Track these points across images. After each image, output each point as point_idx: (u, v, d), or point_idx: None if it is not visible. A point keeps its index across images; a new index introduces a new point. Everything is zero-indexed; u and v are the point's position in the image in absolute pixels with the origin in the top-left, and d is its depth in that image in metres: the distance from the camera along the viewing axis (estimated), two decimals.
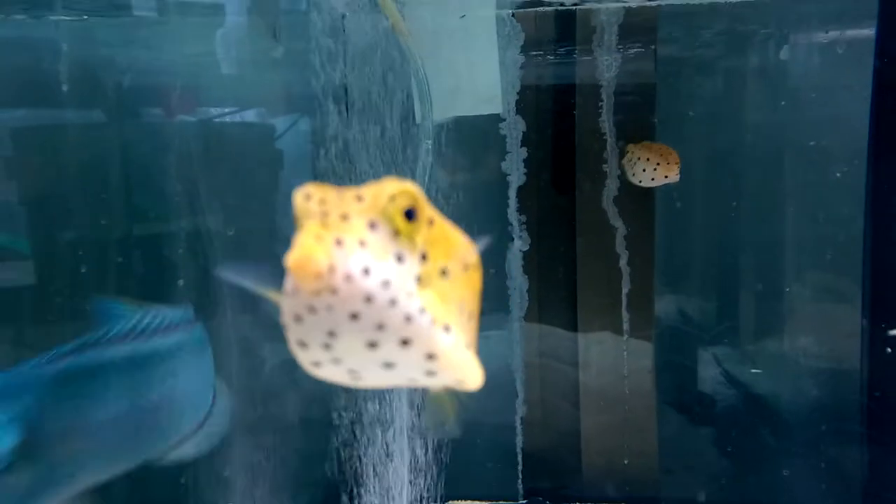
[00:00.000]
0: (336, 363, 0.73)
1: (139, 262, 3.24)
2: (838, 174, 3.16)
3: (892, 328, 2.88)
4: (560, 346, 3.37)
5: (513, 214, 3.40)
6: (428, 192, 2.66)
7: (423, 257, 0.75)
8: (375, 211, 0.70)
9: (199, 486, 2.92)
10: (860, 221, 3.04)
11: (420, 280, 0.73)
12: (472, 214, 3.49)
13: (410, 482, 2.83)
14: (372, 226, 0.70)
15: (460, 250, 0.83)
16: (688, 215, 3.44)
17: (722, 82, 3.54)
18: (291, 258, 0.65)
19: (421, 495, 2.81)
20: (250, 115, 3.38)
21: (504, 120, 3.37)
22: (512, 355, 3.34)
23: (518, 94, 3.19)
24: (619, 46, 3.16)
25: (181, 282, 3.04)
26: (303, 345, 0.71)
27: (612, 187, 3.25)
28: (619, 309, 3.28)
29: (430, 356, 0.74)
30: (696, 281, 3.56)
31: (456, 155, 3.16)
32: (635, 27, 3.08)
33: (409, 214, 0.72)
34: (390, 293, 0.69)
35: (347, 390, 2.69)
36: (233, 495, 2.87)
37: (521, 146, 3.32)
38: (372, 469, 2.82)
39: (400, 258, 0.71)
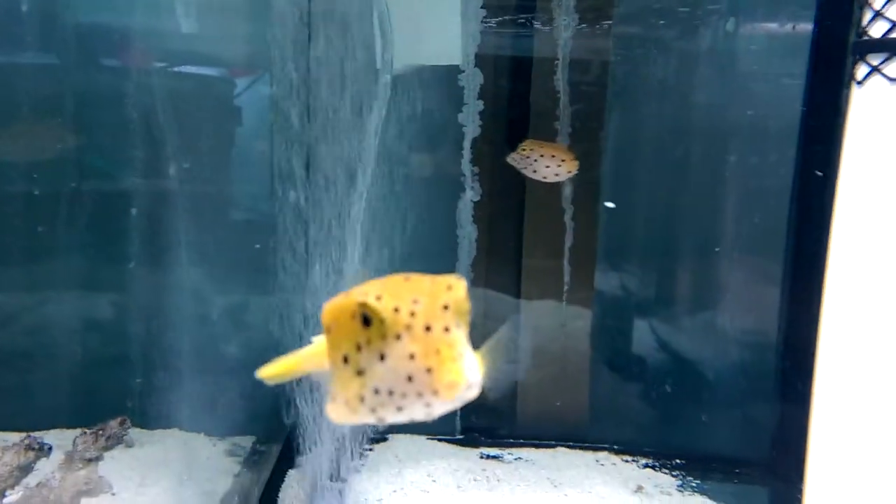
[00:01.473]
0: (378, 420, 0.87)
1: (89, 214, 3.25)
2: (774, 155, 3.38)
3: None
4: (503, 298, 3.53)
5: (466, 165, 3.50)
6: (385, 126, 2.73)
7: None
8: (459, 316, 0.84)
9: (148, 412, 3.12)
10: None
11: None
12: (426, 164, 3.61)
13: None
14: (457, 325, 0.84)
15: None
16: (632, 179, 3.62)
17: (676, 56, 3.68)
18: (446, 379, 0.79)
19: (363, 431, 2.94)
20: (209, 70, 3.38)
21: (463, 72, 3.46)
22: None
23: (477, 47, 3.26)
24: (577, 7, 3.26)
25: (134, 234, 3.18)
26: (371, 411, 0.85)
27: (562, 143, 3.39)
28: (562, 262, 3.45)
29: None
30: (636, 249, 3.75)
31: (414, 103, 3.23)
32: None
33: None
34: (475, 375, 0.84)
35: (295, 336, 2.77)
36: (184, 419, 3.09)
37: (478, 99, 3.42)
38: (317, 408, 2.93)
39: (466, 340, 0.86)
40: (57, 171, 3.16)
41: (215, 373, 3.26)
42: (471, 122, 3.50)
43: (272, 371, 1.01)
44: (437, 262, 3.61)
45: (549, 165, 2.65)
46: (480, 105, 3.48)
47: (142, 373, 3.28)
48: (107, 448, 2.39)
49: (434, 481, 2.83)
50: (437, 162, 3.55)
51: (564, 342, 3.50)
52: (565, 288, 3.48)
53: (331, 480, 2.45)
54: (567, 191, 3.45)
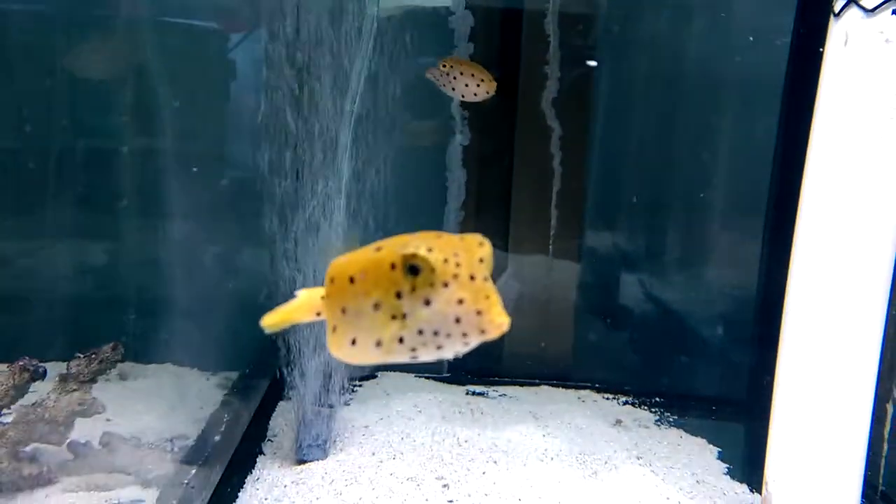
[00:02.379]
0: (411, 357, 0.99)
1: (82, 169, 3.32)
2: (760, 116, 3.42)
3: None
4: (491, 241, 3.57)
5: (455, 109, 3.52)
6: (374, 69, 2.74)
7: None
8: (488, 268, 0.96)
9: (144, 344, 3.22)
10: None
11: None
12: (416, 105, 3.61)
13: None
14: (488, 277, 0.96)
15: None
16: (620, 125, 3.64)
17: (668, 5, 3.67)
18: (497, 321, 0.91)
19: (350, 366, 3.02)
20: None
21: (453, 14, 3.45)
22: None
23: None
24: None
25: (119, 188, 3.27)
26: (411, 350, 0.97)
27: (551, 89, 3.40)
28: (549, 207, 3.50)
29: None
30: (624, 196, 3.78)
31: (403, 45, 3.22)
32: None
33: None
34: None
35: (279, 276, 2.83)
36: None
37: (468, 41, 3.41)
38: (307, 343, 3.00)
39: None
40: (49, 124, 3.25)
41: (208, 312, 3.36)
42: None
43: (272, 320, 1.11)
44: (426, 205, 3.66)
45: (468, 84, 2.62)
46: (471, 48, 3.50)
47: (135, 311, 3.39)
48: (100, 372, 2.46)
49: (420, 411, 2.93)
50: (426, 105, 3.56)
51: (551, 285, 3.57)
52: (552, 232, 3.53)
53: (319, 405, 2.53)
54: (555, 136, 3.49)
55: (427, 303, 0.94)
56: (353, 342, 1.01)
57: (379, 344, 0.98)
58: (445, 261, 0.93)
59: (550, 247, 3.53)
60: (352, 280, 1.00)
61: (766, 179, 3.42)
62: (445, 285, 0.93)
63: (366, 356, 1.01)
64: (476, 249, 0.96)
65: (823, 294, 1.99)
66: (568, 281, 3.59)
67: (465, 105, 3.45)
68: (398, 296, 0.95)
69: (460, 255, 0.94)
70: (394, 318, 0.96)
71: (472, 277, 0.94)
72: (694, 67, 3.54)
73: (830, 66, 1.96)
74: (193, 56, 3.37)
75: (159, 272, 3.39)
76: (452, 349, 0.96)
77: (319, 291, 1.11)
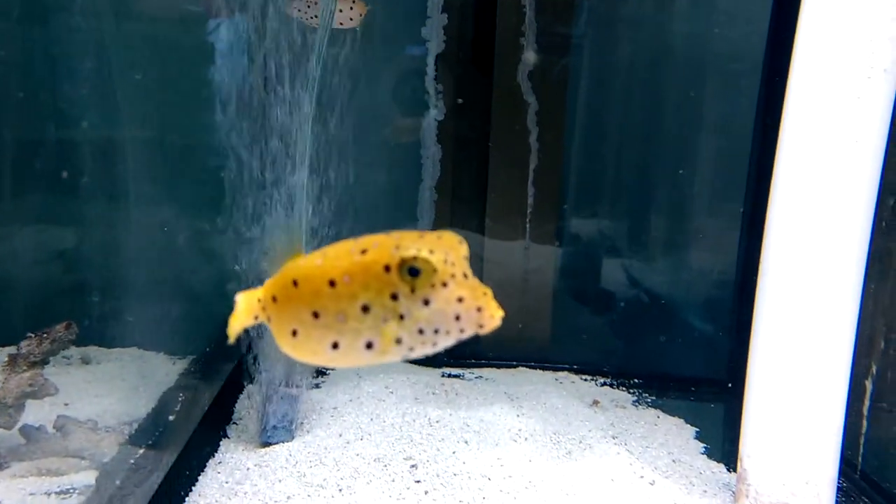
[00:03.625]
0: (403, 356, 1.01)
1: (53, 159, 3.24)
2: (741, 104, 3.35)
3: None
4: (468, 221, 3.49)
5: (430, 83, 3.41)
6: (342, 40, 2.63)
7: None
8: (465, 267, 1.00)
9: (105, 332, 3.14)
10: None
11: None
12: (387, 81, 3.51)
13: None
14: (465, 276, 1.00)
15: None
16: (598, 100, 3.55)
17: None
18: (496, 316, 0.96)
19: None
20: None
21: None
22: (421, 223, 3.45)
23: None
24: None
25: (86, 179, 3.20)
26: (409, 350, 1.00)
27: (528, 62, 3.31)
28: (526, 184, 3.41)
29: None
30: (602, 173, 3.70)
31: (373, 15, 3.11)
32: None
33: None
34: None
35: (251, 249, 2.75)
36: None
37: (442, 12, 3.31)
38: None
39: None
40: (25, 113, 3.18)
41: (174, 295, 3.27)
42: (435, 36, 3.39)
43: (232, 331, 1.14)
44: (400, 183, 3.57)
45: (342, 10, 2.51)
46: (444, 20, 3.39)
47: (99, 294, 3.30)
48: (52, 352, 2.35)
49: (391, 393, 2.84)
50: (399, 79, 3.46)
51: (528, 266, 3.50)
52: (529, 211, 3.45)
53: (285, 386, 2.45)
54: (532, 111, 3.40)
55: (426, 303, 0.97)
56: (336, 346, 1.00)
57: (370, 346, 0.99)
58: (444, 261, 0.97)
59: (528, 225, 3.45)
60: (332, 283, 0.99)
61: (746, 156, 3.37)
62: (444, 285, 0.97)
63: (353, 359, 1.02)
64: (458, 247, 1.00)
65: (798, 267, 1.93)
66: (546, 261, 3.52)
67: (439, 78, 3.36)
68: (394, 297, 0.97)
69: (450, 254, 0.99)
70: (386, 319, 0.98)
71: (465, 275, 0.98)
72: (677, 39, 3.46)
73: (806, 23, 1.88)
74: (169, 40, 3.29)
75: (124, 256, 3.31)
76: (447, 344, 1.00)
77: (256, 293, 1.12)
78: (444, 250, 0.98)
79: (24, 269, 3.32)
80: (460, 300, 0.96)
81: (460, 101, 3.32)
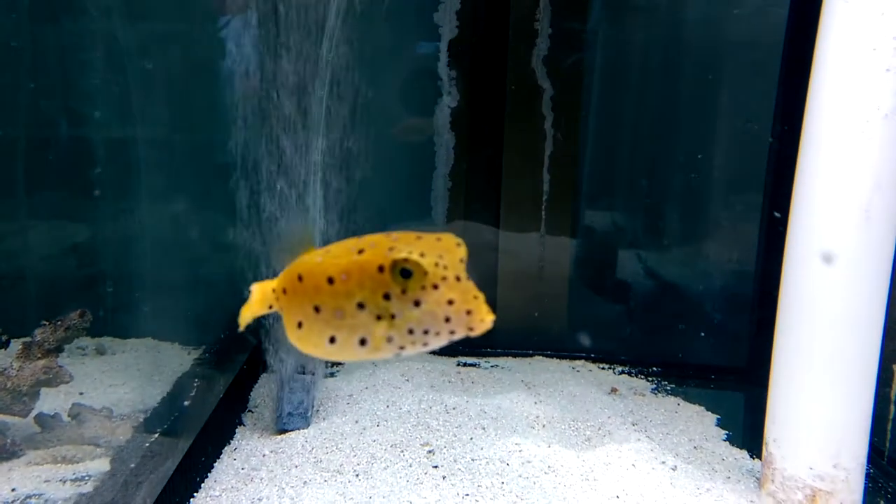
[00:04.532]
0: (394, 355, 1.04)
1: (59, 156, 3.26)
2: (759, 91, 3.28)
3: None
4: (482, 208, 3.45)
5: (443, 69, 3.38)
6: (354, 27, 2.60)
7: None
8: (464, 267, 1.02)
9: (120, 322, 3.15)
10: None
11: None
12: (399, 68, 3.47)
13: None
14: (458, 279, 1.01)
15: None
16: (614, 86, 3.49)
17: None
18: (487, 319, 0.97)
19: None
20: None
21: None
22: (435, 212, 3.42)
23: None
24: None
25: (98, 170, 3.23)
26: (399, 348, 1.01)
27: (542, 46, 3.25)
28: (541, 171, 3.36)
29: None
30: (620, 161, 3.64)
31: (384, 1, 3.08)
32: None
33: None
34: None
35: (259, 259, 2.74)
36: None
37: None
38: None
39: None
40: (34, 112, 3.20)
41: (188, 287, 3.27)
42: (447, 21, 3.36)
43: (243, 319, 1.18)
44: (414, 171, 3.53)
45: None
46: (458, 4, 3.34)
47: (114, 285, 3.30)
48: (67, 339, 2.34)
49: (407, 380, 2.81)
50: (412, 66, 3.42)
51: (543, 254, 3.45)
52: (545, 198, 3.41)
53: (300, 373, 2.42)
54: (547, 96, 3.35)
55: (417, 304, 0.99)
56: (332, 340, 1.04)
57: (364, 342, 1.01)
58: (436, 264, 0.99)
59: (543, 213, 3.40)
60: (331, 280, 1.02)
61: (766, 142, 3.30)
62: (435, 287, 0.98)
63: (348, 354, 1.04)
64: (455, 250, 1.01)
65: (825, 249, 1.87)
66: (561, 249, 3.46)
67: (452, 64, 3.32)
68: (386, 297, 0.99)
69: (445, 257, 1.00)
70: (379, 318, 1.00)
71: (457, 278, 0.99)
72: (695, 22, 3.39)
73: (828, 19, 1.82)
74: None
75: (139, 248, 3.31)
76: (438, 344, 1.01)
77: (271, 284, 1.15)
78: (439, 253, 0.99)
79: (40, 261, 3.33)
80: (450, 303, 0.97)
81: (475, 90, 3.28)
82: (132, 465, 1.52)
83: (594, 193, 3.56)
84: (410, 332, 0.99)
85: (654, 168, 3.57)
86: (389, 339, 1.00)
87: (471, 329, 0.98)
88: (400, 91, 3.40)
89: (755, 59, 3.33)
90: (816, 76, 1.86)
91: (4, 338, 2.23)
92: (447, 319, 0.98)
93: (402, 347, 1.01)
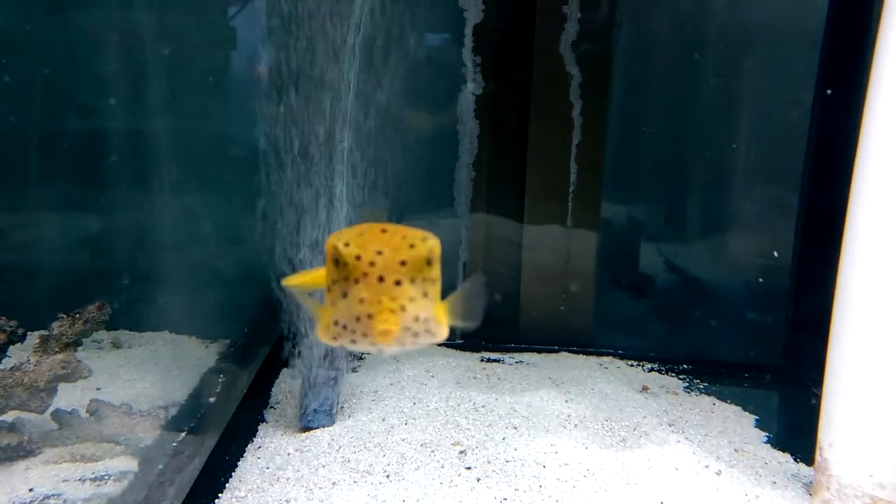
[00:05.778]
0: (339, 346, 1.02)
1: (74, 147, 3.16)
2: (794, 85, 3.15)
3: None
4: (506, 198, 3.35)
5: (468, 55, 3.26)
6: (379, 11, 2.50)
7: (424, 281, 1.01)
8: (415, 272, 0.95)
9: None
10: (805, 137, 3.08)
11: (432, 299, 1.01)
12: (423, 55, 3.36)
13: None
14: (412, 280, 0.96)
15: (438, 255, 1.04)
16: (642, 76, 3.37)
17: None
18: (380, 328, 0.92)
19: None
20: None
21: None
22: (458, 203, 3.32)
23: None
24: None
25: (115, 157, 3.13)
26: (334, 339, 1.00)
27: (570, 31, 3.14)
28: (568, 160, 3.26)
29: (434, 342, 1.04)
30: (646, 152, 3.53)
31: None
32: None
33: (429, 261, 0.99)
34: (427, 325, 0.98)
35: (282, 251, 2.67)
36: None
37: None
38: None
39: (425, 294, 0.99)
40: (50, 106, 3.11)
41: (206, 279, 3.20)
42: (472, 5, 3.23)
43: (295, 281, 1.17)
44: (437, 160, 3.42)
45: None
46: None
47: (129, 277, 3.24)
48: (85, 333, 2.26)
49: (432, 377, 2.72)
50: (436, 52, 3.31)
51: (570, 247, 3.34)
52: (571, 189, 3.29)
53: (326, 368, 2.34)
54: (575, 83, 3.23)
55: (344, 295, 0.96)
56: (318, 319, 1.06)
57: (322, 326, 1.03)
58: (358, 257, 0.94)
59: (569, 204, 3.29)
60: (335, 262, 1.04)
61: (804, 132, 3.17)
62: (356, 281, 0.95)
63: (320, 335, 1.04)
64: (403, 251, 0.96)
65: (886, 252, 1.75)
66: (588, 242, 3.34)
67: (477, 49, 3.20)
68: (335, 282, 0.99)
69: (384, 253, 0.95)
70: (332, 304, 1.00)
71: (381, 279, 0.94)
72: (728, 7, 3.27)
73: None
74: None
75: (156, 240, 3.24)
76: (366, 347, 0.97)
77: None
78: (376, 248, 0.94)
79: (54, 253, 3.26)
80: (361, 301, 0.93)
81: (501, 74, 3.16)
82: (160, 466, 1.45)
83: (623, 184, 3.44)
84: (336, 323, 0.96)
85: (684, 159, 3.44)
86: (328, 327, 0.99)
87: (371, 336, 0.93)
88: (423, 78, 3.31)
89: (793, 39, 3.18)
90: (882, 59, 1.75)
91: (21, 331, 2.15)
92: (357, 318, 0.94)
93: (335, 338, 0.98)
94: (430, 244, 0.98)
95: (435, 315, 1.00)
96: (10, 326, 2.08)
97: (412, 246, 0.95)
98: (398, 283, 0.94)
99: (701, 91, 3.39)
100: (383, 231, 0.97)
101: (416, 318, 0.95)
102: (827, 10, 3.01)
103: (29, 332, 2.47)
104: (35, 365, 2.10)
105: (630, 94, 3.36)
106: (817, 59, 3.03)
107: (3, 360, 2.10)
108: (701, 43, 3.34)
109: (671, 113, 3.41)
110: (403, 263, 0.94)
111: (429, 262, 0.98)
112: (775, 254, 3.22)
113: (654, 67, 3.37)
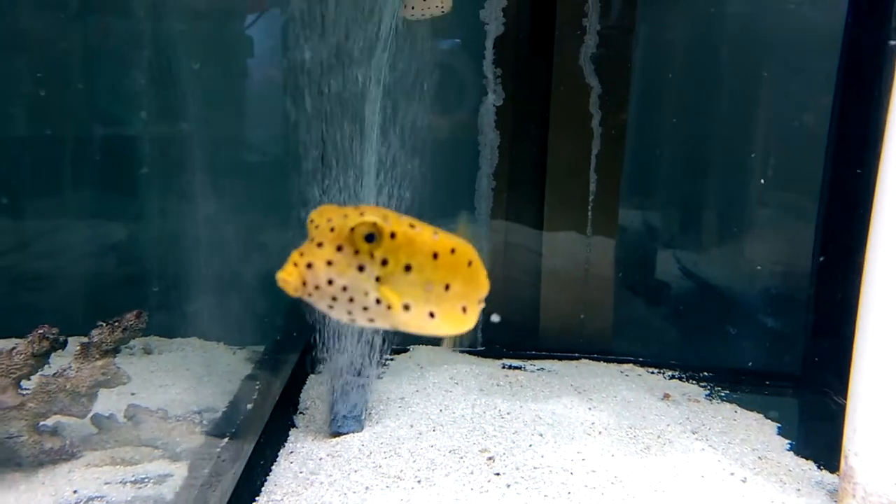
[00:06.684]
0: (351, 319, 1.08)
1: (106, 155, 3.26)
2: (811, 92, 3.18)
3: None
4: (526, 208, 3.39)
5: (488, 67, 3.31)
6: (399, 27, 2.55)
7: (384, 262, 1.05)
8: (340, 239, 1.02)
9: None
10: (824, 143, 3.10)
11: (380, 279, 1.06)
12: (444, 66, 3.41)
13: (376, 330, 2.88)
14: (339, 248, 1.03)
15: (424, 247, 1.09)
16: (662, 85, 3.41)
17: None
18: (279, 275, 1.01)
19: (385, 338, 2.88)
20: None
21: None
22: (478, 211, 3.37)
23: None
24: None
25: (146, 165, 3.23)
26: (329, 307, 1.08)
27: (590, 43, 3.19)
28: (588, 171, 3.30)
29: (394, 327, 1.09)
30: (665, 161, 3.56)
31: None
32: None
33: (370, 237, 1.03)
34: (349, 293, 1.04)
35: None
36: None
37: None
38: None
39: (361, 268, 1.04)
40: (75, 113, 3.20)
41: (234, 286, 3.26)
42: (493, 19, 3.29)
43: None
44: (458, 171, 3.47)
45: None
46: (504, 0, 3.29)
47: (160, 285, 3.30)
48: (124, 340, 2.33)
49: (457, 383, 2.77)
50: (457, 64, 3.37)
51: (589, 255, 3.38)
52: (591, 199, 3.34)
53: (355, 374, 2.39)
54: (594, 95, 3.28)
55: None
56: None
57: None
58: (311, 221, 1.05)
59: (589, 214, 3.33)
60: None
61: (823, 139, 3.19)
62: (320, 245, 1.03)
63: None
64: (338, 220, 1.04)
65: None
66: (607, 250, 3.38)
67: (497, 62, 3.26)
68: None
69: (332, 221, 1.03)
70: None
71: (319, 244, 1.03)
72: (747, 15, 3.30)
73: None
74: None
75: (186, 247, 3.31)
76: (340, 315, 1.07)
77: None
78: (328, 216, 1.04)
79: (85, 260, 3.34)
80: (329, 264, 1.02)
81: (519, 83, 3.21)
82: (205, 470, 1.50)
83: (642, 193, 3.48)
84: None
85: (703, 167, 3.48)
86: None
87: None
88: (444, 89, 3.36)
89: (812, 46, 3.20)
90: None
91: (63, 338, 2.22)
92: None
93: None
94: (367, 220, 1.03)
95: (386, 294, 1.05)
96: (53, 334, 2.14)
97: (345, 216, 1.03)
98: (320, 244, 1.02)
99: (719, 98, 3.42)
100: (356, 208, 1.06)
101: (331, 282, 1.02)
102: (846, 16, 3.03)
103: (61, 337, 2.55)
104: (77, 371, 2.18)
105: (649, 103, 3.40)
106: (836, 64, 3.07)
107: (46, 367, 2.18)
108: (719, 52, 3.39)
109: (689, 121, 3.45)
110: (332, 230, 1.03)
111: (370, 236, 1.03)
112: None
113: (672, 77, 3.41)
